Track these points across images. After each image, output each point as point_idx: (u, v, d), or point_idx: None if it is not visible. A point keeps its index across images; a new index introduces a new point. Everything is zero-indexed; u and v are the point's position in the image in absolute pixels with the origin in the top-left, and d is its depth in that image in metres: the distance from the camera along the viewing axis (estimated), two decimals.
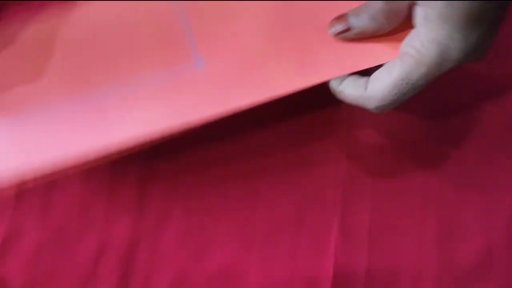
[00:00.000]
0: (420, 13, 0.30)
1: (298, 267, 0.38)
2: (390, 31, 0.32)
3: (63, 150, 0.34)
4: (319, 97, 0.39)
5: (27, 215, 0.39)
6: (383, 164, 0.39)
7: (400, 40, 0.32)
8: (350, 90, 0.32)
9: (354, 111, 0.40)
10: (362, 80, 0.32)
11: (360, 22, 0.32)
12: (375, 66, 0.32)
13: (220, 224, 0.39)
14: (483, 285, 0.37)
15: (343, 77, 0.33)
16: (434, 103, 0.40)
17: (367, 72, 0.32)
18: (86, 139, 0.34)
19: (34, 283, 0.38)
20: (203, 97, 0.34)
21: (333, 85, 0.33)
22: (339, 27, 0.32)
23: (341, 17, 0.32)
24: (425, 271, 0.38)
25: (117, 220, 0.39)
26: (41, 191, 0.39)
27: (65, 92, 0.35)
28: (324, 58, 0.33)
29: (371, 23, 0.31)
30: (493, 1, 0.28)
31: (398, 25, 0.32)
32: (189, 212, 0.39)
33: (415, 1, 0.30)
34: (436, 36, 0.29)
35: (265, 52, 0.34)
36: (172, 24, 0.35)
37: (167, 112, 0.34)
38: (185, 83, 0.34)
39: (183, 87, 0.34)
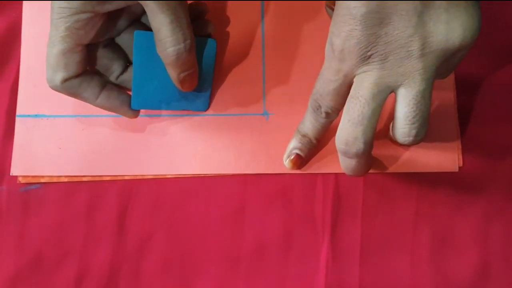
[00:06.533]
0: None
1: None
2: None
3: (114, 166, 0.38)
4: None
5: (2, 242, 0.37)
6: (373, 178, 0.38)
7: None
8: None
9: None
10: None
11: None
12: None
13: (204, 246, 0.37)
14: None
15: None
16: None
17: None
18: (141, 162, 0.38)
19: None
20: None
21: None
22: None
23: None
24: None
25: (97, 246, 0.37)
26: (16, 217, 0.38)
27: None
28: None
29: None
30: None
31: None
32: (171, 235, 0.37)
33: None
34: None
35: None
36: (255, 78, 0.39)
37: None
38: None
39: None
